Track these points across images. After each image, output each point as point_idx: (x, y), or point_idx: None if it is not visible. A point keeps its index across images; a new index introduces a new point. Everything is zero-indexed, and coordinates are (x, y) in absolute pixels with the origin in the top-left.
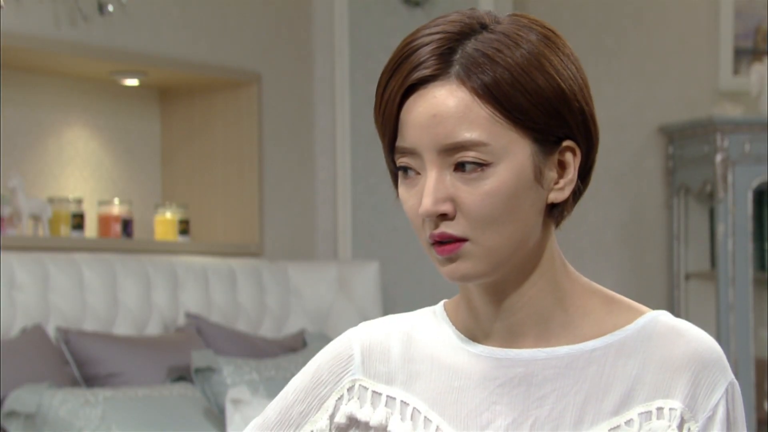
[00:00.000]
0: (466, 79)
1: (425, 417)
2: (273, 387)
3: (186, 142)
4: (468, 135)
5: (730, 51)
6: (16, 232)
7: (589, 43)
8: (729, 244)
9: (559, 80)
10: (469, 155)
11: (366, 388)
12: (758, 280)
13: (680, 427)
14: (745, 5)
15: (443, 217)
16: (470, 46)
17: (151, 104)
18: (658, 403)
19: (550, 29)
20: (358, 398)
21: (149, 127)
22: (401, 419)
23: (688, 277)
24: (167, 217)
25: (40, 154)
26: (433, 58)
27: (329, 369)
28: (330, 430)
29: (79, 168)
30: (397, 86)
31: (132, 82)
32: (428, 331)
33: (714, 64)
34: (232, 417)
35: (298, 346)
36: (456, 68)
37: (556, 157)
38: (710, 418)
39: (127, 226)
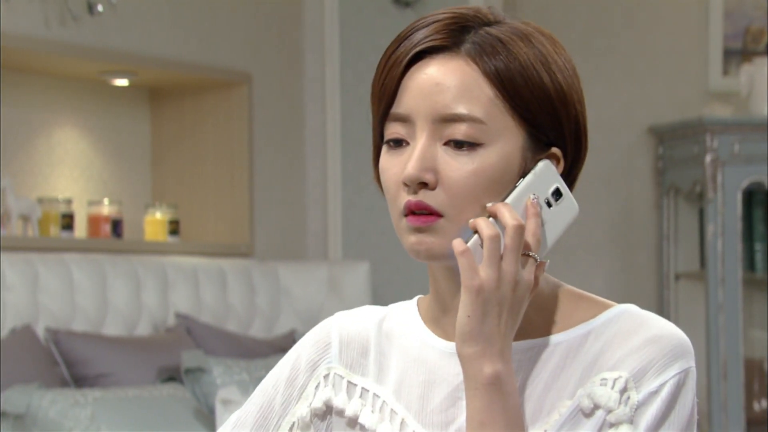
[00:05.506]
0: (477, 57)
1: (392, 409)
2: None
3: (176, 143)
4: (466, 109)
5: (720, 51)
6: (6, 232)
7: (579, 43)
8: (718, 244)
9: (563, 83)
10: (462, 129)
11: (342, 377)
12: (747, 281)
13: (622, 391)
14: (735, 6)
15: (423, 186)
16: (484, 30)
17: (141, 104)
18: (604, 375)
19: (553, 38)
20: (333, 386)
21: (139, 127)
22: (371, 411)
23: (677, 277)
24: (157, 218)
25: (30, 154)
26: (445, 30)
27: (307, 357)
28: (310, 418)
29: (69, 168)
30: (405, 52)
31: (122, 82)
32: (401, 325)
33: (703, 64)
34: (222, 417)
35: (288, 347)
36: (467, 46)
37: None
38: (653, 394)
39: (116, 226)
